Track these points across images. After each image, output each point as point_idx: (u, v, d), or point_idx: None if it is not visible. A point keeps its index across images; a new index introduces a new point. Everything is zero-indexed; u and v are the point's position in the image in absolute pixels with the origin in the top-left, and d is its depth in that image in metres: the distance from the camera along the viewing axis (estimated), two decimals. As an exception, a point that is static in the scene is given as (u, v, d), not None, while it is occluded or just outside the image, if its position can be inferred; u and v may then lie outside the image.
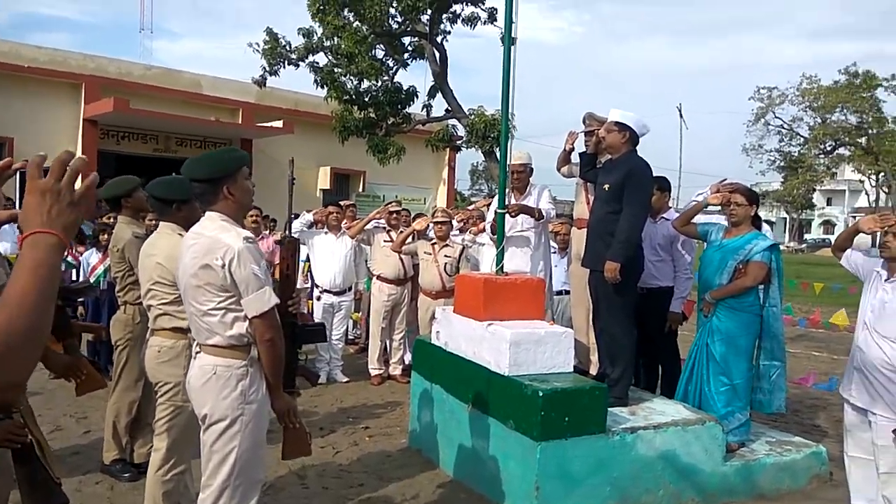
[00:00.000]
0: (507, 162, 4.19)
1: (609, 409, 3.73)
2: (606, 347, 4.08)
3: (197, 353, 2.41)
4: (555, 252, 6.09)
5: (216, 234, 2.29)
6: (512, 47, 3.90)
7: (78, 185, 1.08)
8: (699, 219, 4.46)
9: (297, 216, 6.35)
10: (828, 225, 56.78)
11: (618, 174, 3.85)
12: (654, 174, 4.09)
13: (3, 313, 0.89)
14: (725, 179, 4.41)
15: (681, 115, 39.05)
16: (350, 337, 8.23)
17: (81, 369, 2.77)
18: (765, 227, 4.38)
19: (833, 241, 3.75)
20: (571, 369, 3.72)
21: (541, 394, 3.35)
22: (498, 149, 14.18)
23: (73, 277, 6.08)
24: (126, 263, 3.66)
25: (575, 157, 4.58)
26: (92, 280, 5.90)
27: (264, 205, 14.96)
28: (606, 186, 3.92)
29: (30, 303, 0.91)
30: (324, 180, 16.71)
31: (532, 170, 5.06)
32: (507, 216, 4.27)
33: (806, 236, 53.95)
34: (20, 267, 0.96)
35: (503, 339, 3.63)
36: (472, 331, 3.93)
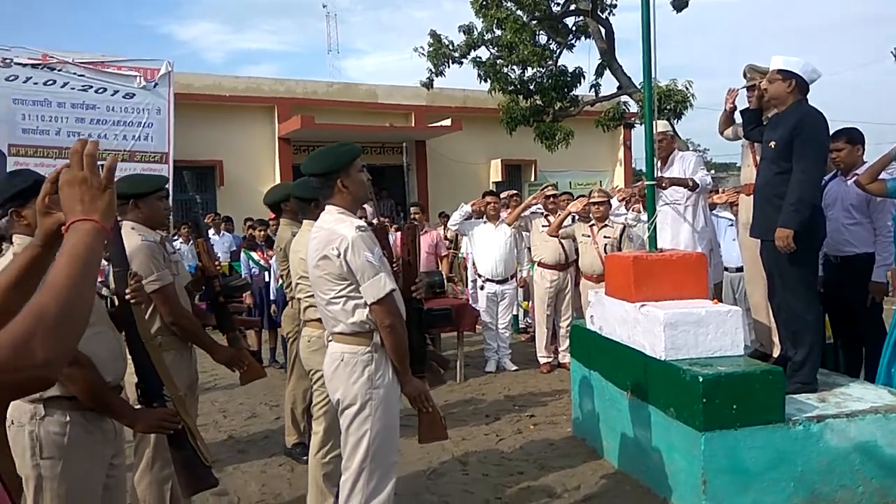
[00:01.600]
0: (654, 130, 3.85)
1: (793, 395, 3.29)
2: (786, 326, 3.59)
3: (329, 340, 2.52)
4: (731, 225, 5.54)
5: (332, 225, 2.37)
6: (650, 10, 3.56)
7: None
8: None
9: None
10: None
11: (785, 128, 3.36)
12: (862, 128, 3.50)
13: (39, 296, 0.96)
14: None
15: (900, 60, 33.46)
16: (521, 325, 8.21)
17: (243, 360, 3.04)
18: None
19: None
20: (741, 352, 3.34)
21: (701, 379, 3.04)
22: (676, 120, 13.46)
23: (266, 279, 6.73)
24: (288, 262, 3.95)
25: (738, 117, 4.10)
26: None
27: (438, 201, 15.60)
28: (773, 144, 3.44)
29: (63, 285, 0.97)
30: (495, 173, 16.83)
31: (673, 137, 4.68)
32: (656, 189, 3.94)
33: None
34: (59, 254, 1.03)
35: (657, 320, 3.35)
36: (624, 313, 3.68)
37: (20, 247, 2.14)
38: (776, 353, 3.92)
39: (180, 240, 8.55)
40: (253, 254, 6.84)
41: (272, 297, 6.54)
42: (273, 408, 5.47)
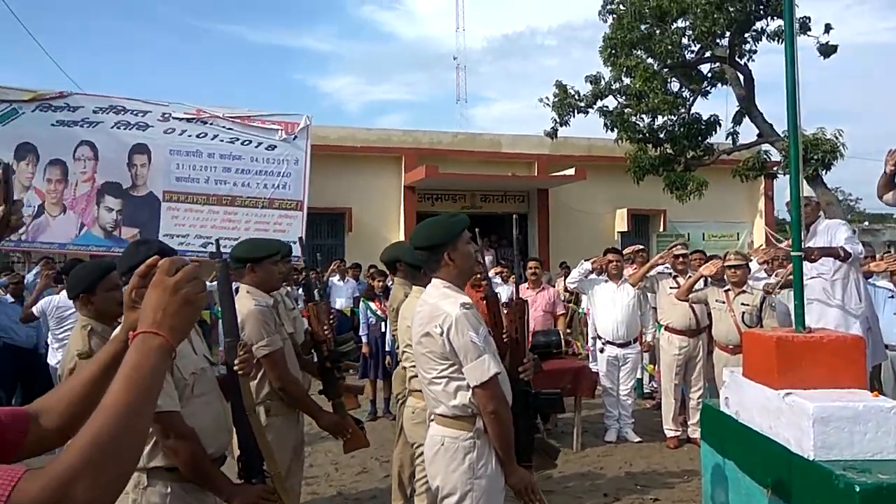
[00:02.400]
0: (800, 193, 3.45)
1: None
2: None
3: (430, 421, 2.39)
4: (892, 297, 4.89)
5: (437, 301, 2.27)
6: (795, 57, 3.23)
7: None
8: None
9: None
10: None
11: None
12: None
13: (89, 427, 0.89)
14: None
15: None
16: (645, 391, 7.70)
17: (347, 428, 2.98)
18: None
19: None
20: (908, 456, 2.82)
21: (858, 489, 2.58)
22: (824, 171, 12.39)
23: (382, 330, 6.78)
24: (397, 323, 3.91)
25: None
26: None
27: (560, 251, 15.29)
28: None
29: (118, 414, 0.90)
30: (621, 223, 16.27)
31: (818, 204, 4.20)
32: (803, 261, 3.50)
33: None
34: (119, 372, 0.97)
35: (804, 413, 2.91)
36: (765, 400, 3.25)
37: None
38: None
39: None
40: (371, 304, 6.94)
41: (388, 348, 6.57)
42: (384, 464, 5.41)
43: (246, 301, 2.72)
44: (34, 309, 5.92)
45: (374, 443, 5.79)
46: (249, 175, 12.72)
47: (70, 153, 12.07)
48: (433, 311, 2.25)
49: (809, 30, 12.69)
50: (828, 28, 12.64)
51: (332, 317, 3.78)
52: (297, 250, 12.66)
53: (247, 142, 12.76)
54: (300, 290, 8.73)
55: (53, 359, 5.48)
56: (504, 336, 2.53)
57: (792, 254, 3.49)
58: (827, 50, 12.70)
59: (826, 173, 12.39)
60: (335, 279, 9.83)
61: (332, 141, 14.58)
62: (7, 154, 11.94)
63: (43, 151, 12.04)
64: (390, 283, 7.25)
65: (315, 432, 3.27)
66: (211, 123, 12.58)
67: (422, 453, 2.95)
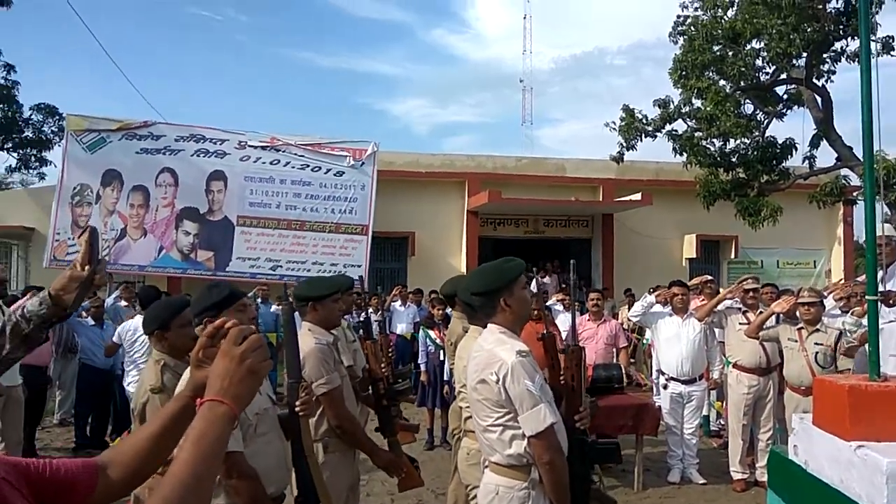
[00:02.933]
0: (875, 228, 3.29)
1: None
2: None
3: (485, 468, 2.40)
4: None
5: (493, 347, 2.29)
6: (873, 78, 3.10)
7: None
8: None
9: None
10: None
11: None
12: None
13: (162, 492, 0.96)
14: None
15: None
16: (713, 428, 7.42)
17: (402, 467, 3.02)
18: None
19: None
20: None
21: (937, 556, 2.43)
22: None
23: (441, 358, 6.82)
24: (455, 357, 3.94)
25: None
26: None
27: (624, 278, 15.02)
28: None
29: (187, 481, 0.97)
30: (689, 249, 15.83)
31: None
32: (880, 304, 3.34)
33: None
34: (186, 439, 1.04)
35: (878, 468, 2.77)
36: (836, 451, 3.10)
37: None
38: None
39: (371, 310, 9.03)
40: (430, 332, 7.00)
41: (446, 378, 6.59)
42: (439, 496, 5.41)
43: (307, 339, 2.81)
44: (113, 338, 6.26)
45: (430, 473, 5.85)
46: (318, 200, 13.12)
47: (152, 179, 12.80)
48: (489, 357, 2.28)
49: (893, 49, 12.12)
50: (912, 47, 12.05)
51: (390, 352, 3.85)
52: (360, 273, 12.98)
53: (316, 168, 13.19)
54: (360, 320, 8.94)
55: (127, 380, 5.77)
56: (561, 378, 2.52)
57: (867, 298, 3.34)
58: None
59: (909, 202, 11.72)
60: (397, 304, 9.96)
61: (398, 166, 14.86)
62: (95, 180, 12.78)
63: (127, 178, 12.81)
64: (450, 311, 7.33)
65: (361, 456, 3.33)
66: (284, 151, 13.09)
67: (475, 495, 2.96)
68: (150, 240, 12.75)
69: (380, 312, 6.09)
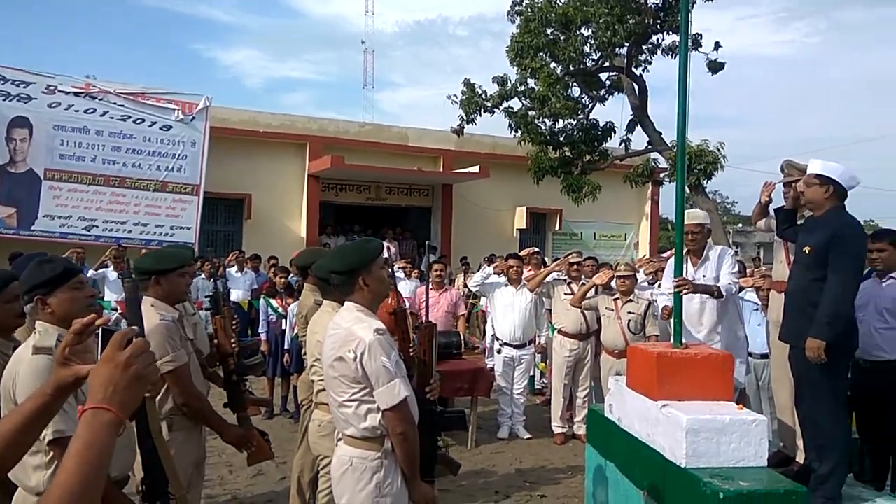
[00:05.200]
0: (683, 211, 3.76)
1: (817, 512, 3.15)
2: (812, 438, 3.45)
3: (339, 440, 2.46)
4: (757, 310, 5.42)
5: (351, 325, 2.34)
6: (686, 78, 3.50)
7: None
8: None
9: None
10: None
11: (821, 235, 3.27)
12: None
13: (48, 500, 0.92)
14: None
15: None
16: (537, 387, 8.08)
17: (252, 441, 2.99)
18: None
19: None
20: (764, 463, 3.20)
21: (721, 495, 2.90)
22: (706, 180, 13.39)
23: (283, 327, 6.71)
24: (306, 330, 3.92)
25: (772, 211, 4.02)
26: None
27: (462, 247, 15.57)
28: (807, 249, 3.35)
29: (73, 490, 0.95)
30: (520, 220, 16.82)
31: (710, 230, 4.53)
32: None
33: None
34: (71, 447, 1.00)
35: (678, 424, 3.23)
36: (645, 410, 3.56)
37: (41, 335, 2.13)
38: (799, 457, 3.77)
39: (203, 275, 8.60)
40: (272, 301, 6.84)
41: (286, 346, 6.52)
42: (280, 465, 5.38)
43: (151, 315, 2.66)
44: None
45: (271, 442, 5.79)
46: (141, 156, 12.09)
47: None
48: (347, 335, 2.32)
49: (701, 46, 13.59)
50: (717, 46, 13.60)
51: (235, 322, 3.74)
52: (190, 237, 12.21)
53: (139, 120, 12.11)
54: (193, 286, 8.46)
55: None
56: (411, 350, 2.63)
57: (673, 288, 3.82)
58: (715, 67, 13.66)
59: (707, 182, 13.38)
60: (233, 270, 9.56)
61: (234, 124, 14.08)
62: None
63: None
64: (292, 278, 7.20)
65: (206, 433, 3.22)
66: (101, 99, 11.83)
67: (326, 465, 3.02)
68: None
69: (213, 280, 5.84)
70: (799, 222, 3.71)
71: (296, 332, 5.29)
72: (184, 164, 12.41)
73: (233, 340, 3.10)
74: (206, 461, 3.24)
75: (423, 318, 2.68)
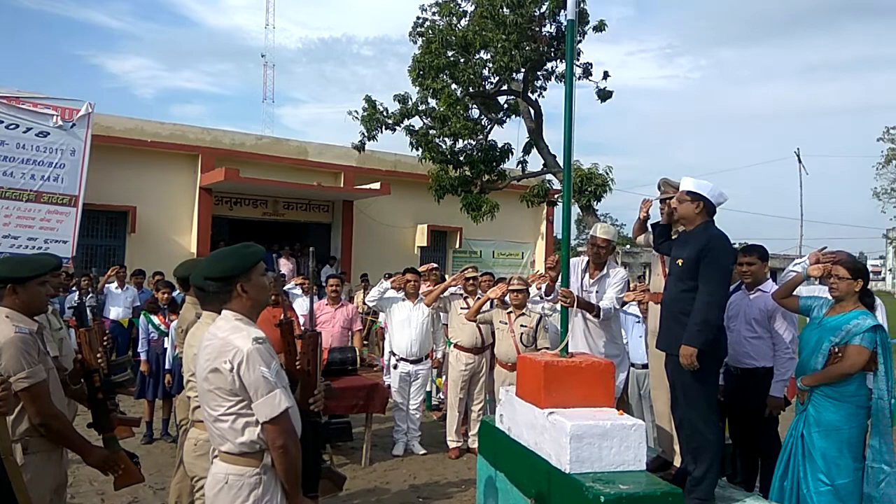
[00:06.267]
0: (570, 228, 3.91)
1: (691, 512, 3.31)
2: (687, 442, 3.63)
3: (214, 457, 2.32)
4: (638, 322, 5.68)
5: (227, 335, 2.22)
6: (572, 102, 3.66)
7: None
8: (800, 291, 3.98)
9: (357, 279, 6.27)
10: None
11: (692, 248, 3.48)
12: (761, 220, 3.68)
13: None
14: (825, 248, 3.92)
15: (799, 160, 36.74)
16: (434, 402, 8.07)
17: (119, 463, 2.78)
18: (878, 304, 3.81)
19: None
20: (643, 467, 3.33)
21: (602, 499, 3.00)
22: (595, 202, 14.01)
23: (164, 345, 6.34)
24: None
25: (650, 227, 4.24)
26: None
27: (363, 264, 15.41)
28: (680, 261, 3.56)
29: None
30: (421, 238, 16.90)
31: (615, 247, 4.81)
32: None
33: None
34: None
35: (563, 431, 3.31)
36: (533, 418, 3.63)
37: None
38: (677, 461, 3.96)
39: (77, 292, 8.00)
40: (153, 317, 6.44)
41: (168, 366, 6.16)
42: (158, 491, 5.07)
43: (4, 328, 2.42)
44: None
45: (149, 468, 5.43)
46: (14, 164, 11.17)
47: None
48: (223, 345, 2.20)
49: (591, 75, 14.28)
50: (606, 75, 14.34)
51: (106, 340, 3.49)
52: (66, 251, 11.37)
53: (13, 126, 11.20)
54: (67, 302, 7.85)
55: None
56: (297, 363, 2.54)
57: (560, 301, 3.97)
58: (604, 95, 14.38)
59: (598, 204, 14.02)
60: (113, 287, 8.96)
61: (119, 132, 13.33)
62: None
63: None
64: (177, 294, 6.83)
65: (79, 459, 2.94)
66: (-32, 101, 10.83)
67: (200, 487, 2.85)
68: None
69: (91, 296, 5.41)
70: (674, 237, 3.93)
71: (178, 351, 5.01)
72: (61, 174, 11.57)
73: (99, 355, 2.87)
74: (70, 487, 2.99)
75: (307, 327, 2.59)
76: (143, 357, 6.37)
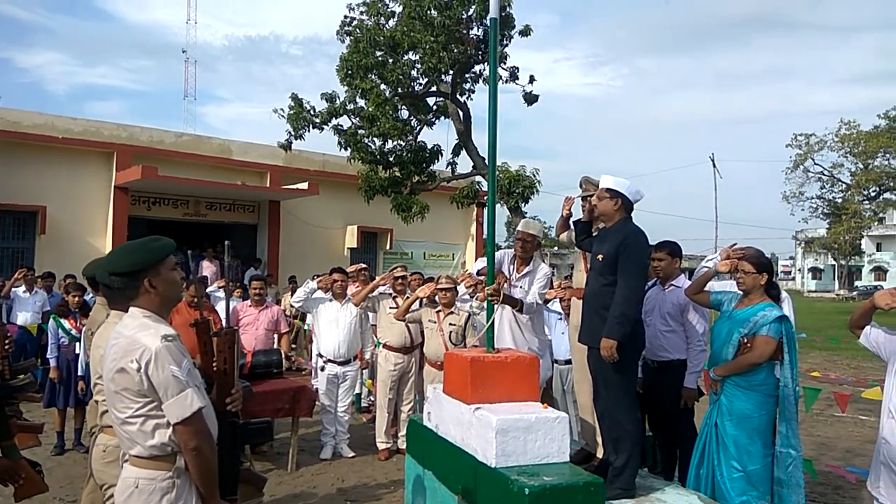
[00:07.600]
0: (494, 229, 3.96)
1: (612, 501, 3.38)
2: (608, 432, 3.72)
3: (124, 462, 2.20)
4: (561, 318, 5.79)
5: (134, 333, 2.11)
6: (496, 100, 3.70)
7: None
8: (713, 286, 4.16)
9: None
10: (879, 271, 54.39)
11: (611, 244, 3.58)
12: (669, 236, 3.84)
13: None
14: (735, 244, 4.10)
15: (714, 165, 38.56)
16: (364, 404, 7.98)
17: (20, 473, 2.60)
18: (784, 297, 4.02)
19: (849, 319, 3.42)
20: (567, 459, 3.39)
21: (527, 491, 3.02)
22: (523, 203, 14.23)
23: (76, 351, 6.01)
24: (95, 348, 3.52)
25: (572, 224, 4.33)
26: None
27: (291, 265, 15.12)
28: (600, 257, 3.65)
29: None
30: (351, 239, 16.73)
31: (540, 243, 4.89)
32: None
33: (857, 283, 51.63)
34: None
35: (489, 425, 3.32)
36: (460, 414, 3.63)
37: None
38: (600, 453, 4.05)
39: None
40: (64, 321, 6.08)
41: (80, 373, 5.83)
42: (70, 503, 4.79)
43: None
44: None
45: (60, 480, 5.15)
46: None
47: None
48: (130, 344, 2.09)
49: (517, 79, 14.51)
50: (531, 79, 14.58)
51: (8, 342, 3.27)
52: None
53: None
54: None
55: None
56: (213, 364, 2.44)
57: (487, 297, 4.01)
58: (530, 98, 14.63)
59: (525, 205, 14.24)
60: (20, 290, 8.43)
61: (26, 128, 12.56)
62: None
63: None
64: (90, 297, 6.48)
65: None
66: None
67: (110, 496, 2.70)
68: None
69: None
70: (594, 234, 4.03)
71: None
72: (-40, 171, 10.80)
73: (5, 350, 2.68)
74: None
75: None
76: (52, 363, 6.01)
